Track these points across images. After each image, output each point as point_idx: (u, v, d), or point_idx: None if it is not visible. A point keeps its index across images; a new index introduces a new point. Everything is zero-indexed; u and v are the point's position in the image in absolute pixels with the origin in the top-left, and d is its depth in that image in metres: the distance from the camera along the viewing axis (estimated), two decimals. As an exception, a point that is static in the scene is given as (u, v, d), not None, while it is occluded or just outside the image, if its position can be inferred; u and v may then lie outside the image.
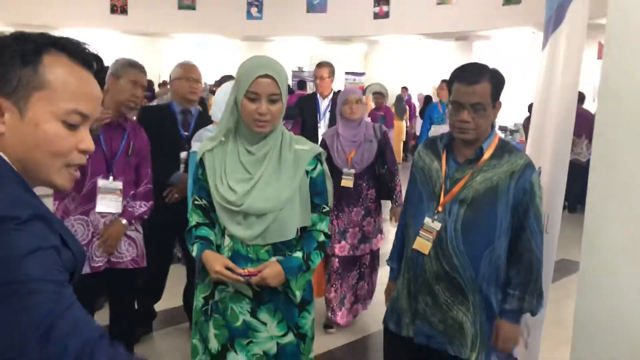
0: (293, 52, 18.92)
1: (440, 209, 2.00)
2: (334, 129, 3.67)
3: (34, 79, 0.92)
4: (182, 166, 3.26)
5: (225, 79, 4.81)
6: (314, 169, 1.95)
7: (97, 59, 1.01)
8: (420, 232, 2.01)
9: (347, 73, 17.63)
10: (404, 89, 14.66)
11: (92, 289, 2.68)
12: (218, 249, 1.94)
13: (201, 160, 1.95)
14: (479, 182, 1.96)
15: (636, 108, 1.76)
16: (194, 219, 1.97)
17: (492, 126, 2.06)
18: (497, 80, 1.96)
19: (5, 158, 0.93)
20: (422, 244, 2.01)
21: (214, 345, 1.95)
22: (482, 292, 1.96)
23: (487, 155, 1.98)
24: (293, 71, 17.90)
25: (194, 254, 1.92)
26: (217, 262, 1.83)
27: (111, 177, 2.64)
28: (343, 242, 3.56)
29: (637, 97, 1.75)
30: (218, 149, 1.93)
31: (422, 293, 2.03)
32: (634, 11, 1.75)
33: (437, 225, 1.98)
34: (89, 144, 0.99)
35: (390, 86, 16.23)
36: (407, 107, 13.64)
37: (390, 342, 2.23)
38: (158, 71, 16.72)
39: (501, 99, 2.02)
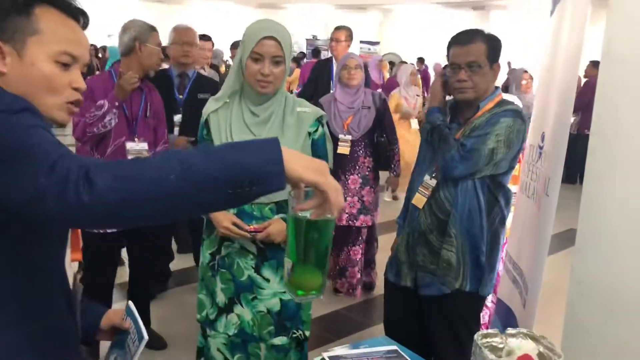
0: (308, 20, 18.79)
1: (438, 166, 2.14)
2: (331, 94, 3.65)
3: (28, 26, 1.06)
4: (176, 129, 3.27)
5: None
6: (316, 130, 2.01)
7: (84, 13, 1.15)
8: (419, 188, 2.15)
9: (361, 42, 17.49)
10: (420, 60, 14.46)
11: (116, 244, 2.89)
12: None
13: (206, 120, 2.01)
14: (467, 131, 2.09)
15: (639, 71, 1.79)
16: None
17: (496, 88, 2.12)
18: (492, 41, 2.04)
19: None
20: (419, 199, 2.15)
21: (221, 298, 2.04)
22: (462, 222, 2.10)
23: (481, 112, 2.08)
24: (307, 39, 17.81)
25: None
26: (224, 219, 1.91)
27: (136, 139, 2.77)
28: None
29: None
30: (223, 110, 1.99)
31: (420, 245, 2.17)
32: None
33: (433, 182, 2.12)
34: (80, 82, 1.12)
35: (406, 56, 16.10)
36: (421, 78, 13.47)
37: (390, 293, 2.36)
38: (172, 38, 16.68)
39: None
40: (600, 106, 1.91)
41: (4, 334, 1.05)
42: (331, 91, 4.63)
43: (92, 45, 12.93)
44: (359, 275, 3.77)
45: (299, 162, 0.94)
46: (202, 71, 4.69)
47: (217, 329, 2.05)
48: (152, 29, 2.83)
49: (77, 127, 2.66)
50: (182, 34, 3.35)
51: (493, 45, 2.04)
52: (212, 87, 3.35)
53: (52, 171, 0.87)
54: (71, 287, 1.23)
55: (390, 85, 8.31)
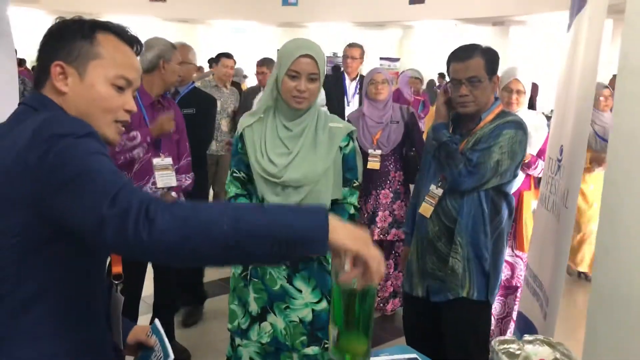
0: (328, 37, 18.94)
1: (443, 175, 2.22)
2: (359, 109, 3.69)
3: (90, 50, 1.16)
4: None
5: (266, 60, 4.92)
6: (347, 145, 2.08)
7: (138, 41, 1.25)
8: (426, 197, 2.23)
9: (381, 59, 17.59)
10: (441, 75, 14.48)
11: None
12: None
13: (241, 135, 2.08)
14: (470, 143, 2.16)
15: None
16: (232, 190, 2.11)
17: (496, 99, 2.21)
18: (489, 56, 2.12)
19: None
20: (426, 208, 2.23)
21: (254, 307, 2.09)
22: (467, 230, 2.16)
23: (483, 123, 2.15)
24: (328, 57, 17.93)
25: None
26: None
27: (161, 155, 2.83)
28: (372, 226, 3.56)
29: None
30: (257, 124, 2.06)
31: (429, 253, 2.24)
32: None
33: (440, 191, 2.19)
34: (132, 105, 1.22)
35: (426, 72, 16.15)
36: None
37: (407, 304, 2.43)
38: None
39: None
40: (618, 119, 1.93)
41: (46, 343, 1.10)
42: (346, 106, 4.69)
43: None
44: (391, 289, 3.76)
45: (343, 232, 0.99)
46: (224, 89, 4.81)
47: (249, 338, 2.10)
48: (174, 47, 2.93)
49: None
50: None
51: (491, 58, 2.13)
52: (198, 102, 3.39)
53: (114, 203, 0.93)
54: (111, 298, 1.30)
55: (414, 103, 8.35)
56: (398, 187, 3.62)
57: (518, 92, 3.12)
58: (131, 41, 1.23)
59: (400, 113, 3.61)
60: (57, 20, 1.20)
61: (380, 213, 3.58)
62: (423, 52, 17.54)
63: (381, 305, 3.78)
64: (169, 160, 2.84)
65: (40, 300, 1.09)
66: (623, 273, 1.95)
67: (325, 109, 3.04)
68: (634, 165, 1.90)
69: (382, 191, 3.57)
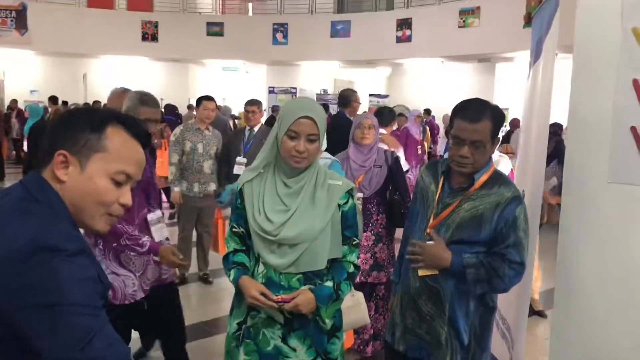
0: (317, 75, 19.26)
1: (429, 230, 2.13)
2: (345, 152, 3.70)
3: (97, 143, 1.18)
4: None
5: (255, 101, 5.07)
6: (346, 203, 2.05)
7: (147, 134, 1.28)
8: (411, 251, 2.13)
9: (370, 95, 17.84)
10: (426, 111, 14.68)
11: (145, 314, 2.77)
12: (252, 275, 2.04)
13: (240, 190, 2.08)
14: (466, 209, 2.07)
15: (601, 135, 1.89)
16: (231, 245, 2.10)
17: (490, 158, 2.15)
18: (497, 119, 2.06)
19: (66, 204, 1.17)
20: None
21: None
22: (453, 307, 2.08)
23: (477, 184, 2.08)
24: (317, 94, 18.19)
25: (230, 278, 2.03)
26: (253, 288, 1.94)
27: (150, 208, 2.79)
28: None
29: (601, 125, 1.88)
30: (257, 180, 2.05)
31: (410, 309, 2.17)
32: (597, 44, 1.89)
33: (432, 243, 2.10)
34: (128, 199, 1.23)
35: (414, 108, 16.38)
36: (427, 129, 13.62)
37: (387, 353, 2.37)
38: (188, 95, 17.24)
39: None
40: (569, 167, 2.00)
41: None
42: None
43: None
44: (371, 332, 3.74)
45: None
46: (206, 131, 4.88)
47: None
48: (143, 102, 2.80)
49: (116, 230, 2.57)
50: (114, 99, 3.08)
51: (498, 122, 2.06)
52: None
53: (85, 350, 0.97)
54: None
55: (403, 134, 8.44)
56: (380, 230, 3.63)
57: (369, 127, 3.56)
58: (140, 135, 1.24)
59: (384, 157, 3.65)
60: (72, 107, 1.21)
61: (362, 255, 3.57)
62: (411, 88, 17.81)
63: (361, 347, 3.77)
64: (158, 213, 2.84)
65: None
66: (579, 317, 1.99)
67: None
68: (585, 215, 1.96)
69: (364, 234, 3.57)
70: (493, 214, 2.02)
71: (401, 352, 2.24)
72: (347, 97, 5.53)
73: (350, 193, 2.07)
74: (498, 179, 2.10)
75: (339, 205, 2.04)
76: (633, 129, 1.75)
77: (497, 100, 16.27)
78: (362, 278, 3.59)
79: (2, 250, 1.02)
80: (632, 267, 1.82)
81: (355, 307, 3.01)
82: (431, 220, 2.13)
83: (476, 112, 2.03)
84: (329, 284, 2.00)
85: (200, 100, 4.98)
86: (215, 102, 5.02)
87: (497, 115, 2.07)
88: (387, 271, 3.65)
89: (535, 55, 2.45)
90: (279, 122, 2.00)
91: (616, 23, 1.78)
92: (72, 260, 1.04)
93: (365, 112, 4.06)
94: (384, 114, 6.18)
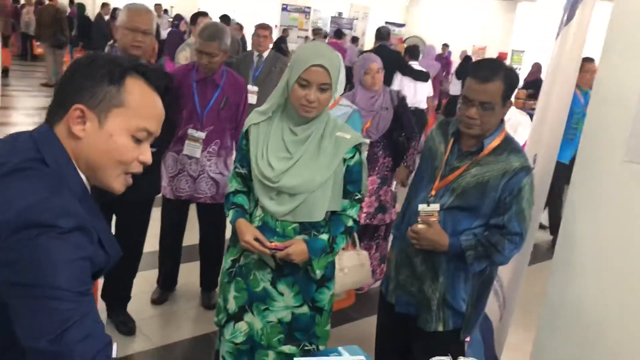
0: (334, -4, 18.64)
1: (433, 192, 2.11)
2: (351, 94, 3.58)
3: (116, 97, 1.09)
4: None
5: (267, 25, 4.87)
6: (352, 157, 2.01)
7: (166, 87, 1.18)
8: (419, 219, 2.09)
9: (387, 23, 17.34)
10: (445, 46, 14.29)
11: (180, 211, 3.32)
12: (250, 216, 2.04)
13: (247, 131, 2.05)
14: (472, 174, 2.03)
15: (622, 113, 1.86)
16: (233, 185, 2.09)
17: (501, 122, 2.09)
18: (510, 80, 1.98)
19: (76, 166, 1.09)
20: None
21: (231, 305, 2.09)
22: (450, 275, 2.09)
23: (487, 150, 2.04)
24: (332, 17, 17.67)
25: (229, 219, 2.04)
26: (247, 232, 1.94)
27: (199, 128, 3.06)
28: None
29: (625, 103, 1.84)
30: (264, 123, 2.01)
31: (404, 265, 2.19)
32: (633, 21, 1.82)
33: (432, 210, 2.08)
34: (148, 156, 1.14)
35: (430, 41, 15.99)
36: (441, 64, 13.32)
37: (381, 304, 2.40)
38: (196, 5, 16.66)
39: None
40: (586, 142, 1.98)
41: None
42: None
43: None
44: (372, 280, 3.75)
45: None
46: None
47: (224, 335, 2.11)
48: (128, 9, 2.70)
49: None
50: (132, 18, 2.66)
51: (510, 84, 1.98)
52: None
53: (57, 340, 0.92)
54: None
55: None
56: (386, 172, 3.62)
57: (378, 71, 3.51)
58: (160, 87, 1.16)
59: (390, 98, 3.57)
60: (89, 55, 1.12)
61: (367, 198, 3.56)
62: (429, 20, 17.30)
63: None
64: (201, 135, 3.05)
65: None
66: (576, 287, 2.03)
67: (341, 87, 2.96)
68: (594, 189, 1.96)
69: (370, 177, 3.56)
70: (499, 182, 2.00)
71: (392, 303, 2.28)
72: (386, 31, 6.79)
73: (357, 148, 2.03)
74: (508, 145, 2.05)
75: (345, 159, 2.00)
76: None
77: (515, 41, 15.87)
78: (367, 220, 3.63)
79: None
80: (633, 247, 1.84)
81: (360, 267, 3.06)
82: (437, 182, 2.11)
83: (487, 72, 1.96)
84: (324, 237, 2.00)
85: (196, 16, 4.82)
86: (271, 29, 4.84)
87: (510, 76, 1.99)
88: (390, 212, 3.69)
89: (568, 16, 2.35)
90: (291, 68, 1.94)
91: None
92: (64, 238, 0.96)
93: (371, 55, 3.84)
94: (414, 53, 6.53)
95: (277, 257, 1.95)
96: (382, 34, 6.71)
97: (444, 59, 13.25)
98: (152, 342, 3.05)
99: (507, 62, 15.07)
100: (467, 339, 2.32)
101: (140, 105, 1.11)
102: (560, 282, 2.06)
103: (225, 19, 8.37)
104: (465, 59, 12.07)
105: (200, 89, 3.07)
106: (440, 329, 2.14)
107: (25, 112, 8.10)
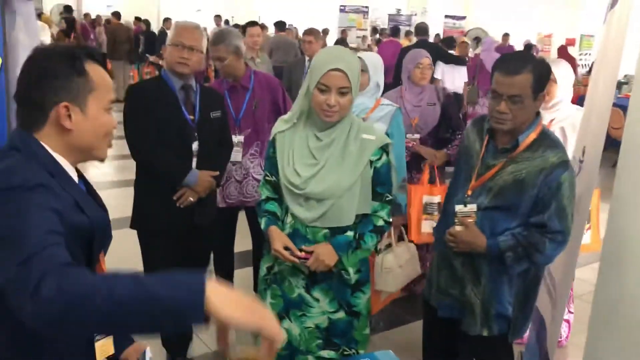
0: (392, -8, 18.46)
1: (469, 192, 2.07)
2: (397, 90, 3.59)
3: (86, 85, 1.22)
4: (194, 160, 2.62)
5: (313, 30, 4.98)
6: (379, 159, 2.00)
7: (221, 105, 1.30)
8: (456, 221, 2.07)
9: (446, 16, 17.01)
10: (506, 35, 13.83)
11: (231, 218, 3.37)
12: (282, 223, 2.07)
13: (274, 139, 2.07)
14: (509, 172, 1.98)
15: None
16: (264, 192, 2.12)
17: (537, 115, 2.03)
18: (539, 72, 1.92)
19: (49, 150, 1.21)
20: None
21: None
22: (493, 278, 2.04)
23: (522, 146, 1.98)
24: (389, 14, 17.53)
25: (262, 226, 2.07)
26: (278, 241, 1.97)
27: (236, 132, 3.09)
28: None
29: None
30: (289, 131, 2.03)
31: (444, 268, 2.15)
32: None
33: (468, 209, 2.04)
34: (115, 122, 1.31)
35: (492, 32, 15.52)
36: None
37: (425, 307, 2.38)
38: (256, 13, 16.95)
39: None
40: (630, 129, 1.87)
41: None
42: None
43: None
44: (421, 271, 3.78)
45: (229, 303, 0.94)
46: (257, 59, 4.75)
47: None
48: (176, 27, 2.65)
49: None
50: (179, 33, 2.58)
51: (540, 74, 1.93)
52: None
53: (24, 266, 0.95)
54: None
55: (474, 63, 8.01)
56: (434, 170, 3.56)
57: (428, 66, 3.47)
58: (103, 61, 1.31)
59: (436, 94, 3.55)
60: (39, 51, 1.23)
61: None
62: (491, 11, 16.79)
63: (411, 285, 3.82)
64: (240, 138, 3.11)
65: None
66: (625, 288, 1.92)
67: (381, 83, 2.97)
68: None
69: (418, 174, 3.52)
70: (536, 179, 1.93)
71: (434, 306, 2.25)
72: (424, 27, 7.26)
73: (384, 149, 2.01)
74: (544, 140, 1.98)
75: (371, 162, 1.98)
76: None
77: (582, 27, 15.15)
78: None
79: None
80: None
81: (411, 259, 3.05)
82: (473, 182, 2.06)
83: (514, 65, 1.92)
84: (349, 233, 1.99)
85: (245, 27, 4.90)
86: (260, 28, 4.94)
87: (539, 68, 1.93)
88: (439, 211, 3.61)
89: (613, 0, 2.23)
90: (310, 73, 1.94)
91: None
92: (31, 192, 1.07)
93: (420, 50, 3.75)
94: (450, 43, 6.84)
95: (309, 265, 1.95)
96: (421, 30, 7.29)
97: (505, 49, 12.79)
98: (208, 347, 3.14)
99: (576, 47, 14.44)
100: (517, 340, 2.25)
101: (102, 83, 1.25)
102: (608, 278, 1.96)
103: (279, 25, 8.51)
104: (526, 47, 11.65)
105: (232, 96, 3.12)
106: (485, 333, 2.09)
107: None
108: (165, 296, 0.92)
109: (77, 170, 1.32)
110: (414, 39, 8.59)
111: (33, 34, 2.42)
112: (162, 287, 0.93)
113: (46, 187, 1.12)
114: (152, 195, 2.63)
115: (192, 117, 2.60)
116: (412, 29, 15.84)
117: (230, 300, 0.95)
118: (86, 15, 14.24)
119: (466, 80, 7.41)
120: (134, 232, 2.71)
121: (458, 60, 7.24)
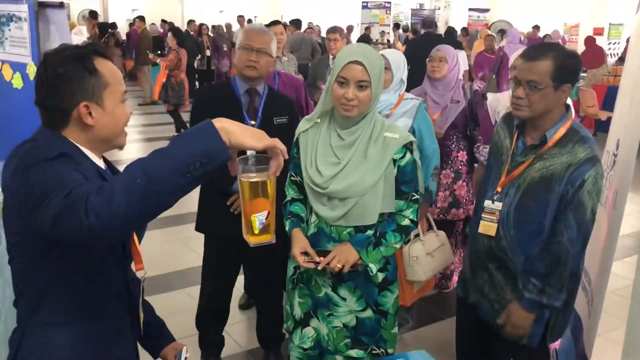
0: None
1: (499, 189, 2.04)
2: (421, 88, 3.55)
3: (99, 82, 1.29)
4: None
5: (337, 28, 4.94)
6: (402, 157, 1.97)
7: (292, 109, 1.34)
8: (483, 215, 2.05)
9: (470, 9, 16.81)
10: (535, 27, 13.59)
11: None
12: (306, 223, 2.07)
13: (297, 139, 2.07)
14: (537, 169, 1.95)
15: None
16: (289, 193, 2.12)
17: (567, 110, 1.99)
18: (562, 60, 1.87)
19: (79, 146, 1.31)
20: (486, 227, 2.05)
21: (297, 312, 2.13)
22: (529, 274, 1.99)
23: (550, 142, 1.94)
24: (412, 9, 17.39)
25: (287, 228, 2.07)
26: (297, 245, 1.97)
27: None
28: (432, 206, 3.45)
29: None
30: (312, 130, 2.03)
31: (480, 269, 2.12)
32: None
33: (498, 206, 2.02)
34: (129, 109, 1.39)
35: (517, 24, 15.30)
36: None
37: (460, 306, 2.35)
38: (280, 12, 16.98)
39: None
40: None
41: (59, 332, 1.30)
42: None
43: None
44: (452, 267, 3.74)
45: (240, 132, 1.08)
46: (283, 57, 4.61)
47: (293, 341, 2.15)
48: (245, 30, 2.66)
49: None
50: (247, 35, 2.57)
51: (563, 64, 1.88)
52: (288, 107, 2.73)
53: (69, 195, 1.05)
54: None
55: (497, 56, 7.91)
56: (460, 167, 3.54)
57: (440, 59, 3.40)
58: (107, 55, 1.36)
59: (462, 92, 3.50)
60: (50, 57, 1.29)
61: (440, 193, 3.50)
62: (516, 3, 16.53)
63: (443, 281, 3.79)
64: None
65: (50, 295, 1.29)
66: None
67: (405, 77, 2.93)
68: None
69: (443, 171, 3.50)
70: (564, 175, 1.89)
71: (473, 304, 2.21)
72: (431, 20, 7.65)
73: (407, 147, 1.98)
74: (574, 135, 1.94)
75: (395, 160, 1.96)
76: None
77: (610, 16, 14.81)
78: (441, 216, 3.56)
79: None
80: None
81: (442, 248, 3.00)
82: (502, 178, 2.03)
83: (536, 51, 1.91)
84: (369, 232, 1.98)
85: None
86: (282, 27, 4.85)
87: (562, 56, 1.88)
88: (465, 208, 3.58)
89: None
90: (333, 69, 1.94)
91: None
92: (54, 161, 1.17)
93: (441, 45, 3.67)
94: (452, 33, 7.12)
95: (332, 267, 1.92)
96: (428, 23, 7.63)
97: (534, 41, 12.56)
98: (240, 346, 3.17)
99: (604, 36, 14.12)
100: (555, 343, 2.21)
101: (113, 76, 1.32)
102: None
103: (295, 23, 8.56)
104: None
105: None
106: (524, 340, 2.06)
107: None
108: (193, 151, 1.03)
109: (105, 159, 1.41)
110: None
111: (67, 41, 2.46)
112: (179, 144, 1.05)
113: (66, 155, 1.21)
114: (220, 202, 2.58)
115: (253, 122, 2.56)
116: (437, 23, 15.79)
117: (238, 128, 1.09)
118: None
119: (467, 68, 7.37)
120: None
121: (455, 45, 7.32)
